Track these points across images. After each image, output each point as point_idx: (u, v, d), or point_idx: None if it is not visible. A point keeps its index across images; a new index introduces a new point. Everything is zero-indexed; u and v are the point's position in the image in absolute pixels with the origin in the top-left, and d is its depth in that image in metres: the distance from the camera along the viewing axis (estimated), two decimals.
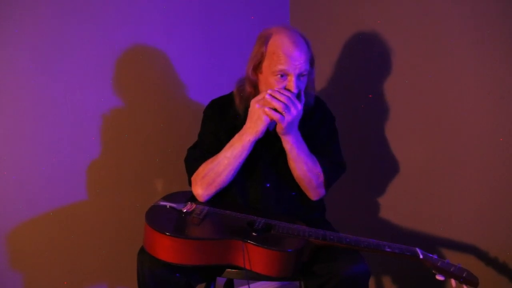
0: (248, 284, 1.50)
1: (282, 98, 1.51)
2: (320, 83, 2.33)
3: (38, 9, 1.83)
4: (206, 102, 1.80)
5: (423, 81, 1.88)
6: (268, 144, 1.68)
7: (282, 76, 1.55)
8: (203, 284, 1.67)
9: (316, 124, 1.72)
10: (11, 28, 1.79)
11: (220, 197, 1.67)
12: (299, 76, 1.56)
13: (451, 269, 1.42)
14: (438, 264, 1.44)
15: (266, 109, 1.53)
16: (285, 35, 1.57)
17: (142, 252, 1.49)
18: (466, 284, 1.41)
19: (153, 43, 2.08)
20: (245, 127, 1.59)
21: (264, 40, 1.59)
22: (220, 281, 1.79)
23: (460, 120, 1.78)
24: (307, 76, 1.61)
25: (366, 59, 2.11)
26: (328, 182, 1.67)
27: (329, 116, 1.77)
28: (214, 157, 1.62)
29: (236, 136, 1.60)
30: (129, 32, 2.02)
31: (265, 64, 1.58)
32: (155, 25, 2.08)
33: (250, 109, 1.58)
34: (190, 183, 1.69)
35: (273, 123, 1.62)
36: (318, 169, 1.63)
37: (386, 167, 2.08)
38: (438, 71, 1.82)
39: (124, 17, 2.00)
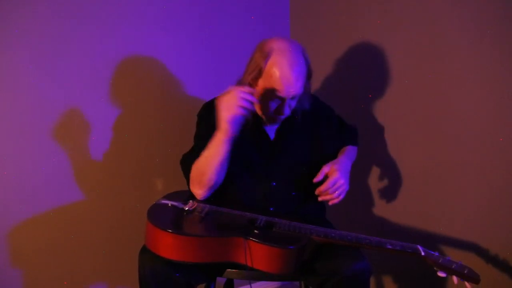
0: (250, 284, 1.50)
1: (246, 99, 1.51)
2: (320, 83, 2.33)
3: (38, 9, 1.82)
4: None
5: (423, 81, 1.88)
6: (267, 142, 1.70)
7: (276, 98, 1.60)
8: (203, 284, 1.67)
9: (327, 121, 1.81)
10: (11, 28, 1.79)
11: (223, 195, 1.67)
12: (292, 98, 1.60)
13: (453, 266, 1.44)
14: (440, 261, 1.45)
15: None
16: (285, 58, 1.55)
17: (144, 252, 1.49)
18: (467, 281, 1.42)
19: (153, 43, 2.08)
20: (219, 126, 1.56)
21: (264, 57, 1.56)
22: (220, 281, 1.79)
23: (460, 120, 1.78)
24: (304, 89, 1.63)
25: (366, 59, 2.11)
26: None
27: (329, 109, 1.87)
28: (199, 157, 1.62)
29: (214, 134, 1.58)
30: (129, 32, 2.02)
31: (261, 81, 1.59)
32: (155, 25, 2.08)
33: (217, 108, 1.55)
34: (188, 184, 1.69)
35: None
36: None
37: (386, 167, 2.09)
38: (438, 71, 1.83)
39: (124, 17, 2.00)
